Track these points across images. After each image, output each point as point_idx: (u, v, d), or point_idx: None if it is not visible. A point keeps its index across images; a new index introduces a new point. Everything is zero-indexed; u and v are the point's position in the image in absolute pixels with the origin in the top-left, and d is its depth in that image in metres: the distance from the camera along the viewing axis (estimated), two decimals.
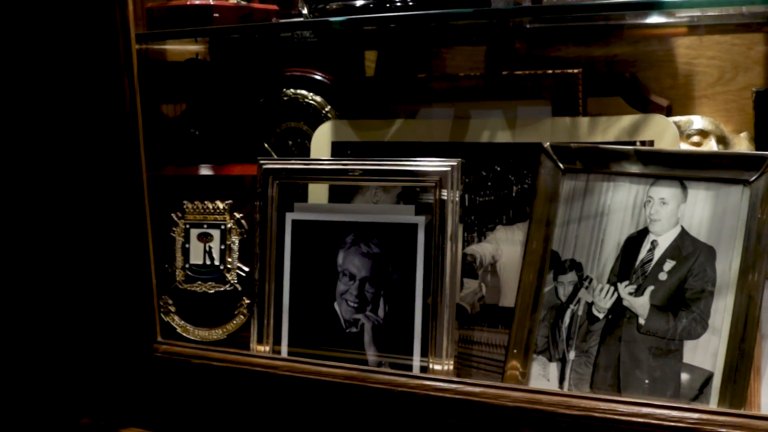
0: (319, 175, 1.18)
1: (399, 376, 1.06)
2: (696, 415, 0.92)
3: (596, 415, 0.96)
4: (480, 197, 1.22)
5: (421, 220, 1.12)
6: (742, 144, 1.13)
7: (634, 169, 1.10)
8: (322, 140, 1.30)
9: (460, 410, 1.02)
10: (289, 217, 1.19)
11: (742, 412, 0.93)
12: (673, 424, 0.93)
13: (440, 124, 1.25)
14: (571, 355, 1.10)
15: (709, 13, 1.17)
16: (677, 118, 1.14)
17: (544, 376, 1.11)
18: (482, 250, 1.22)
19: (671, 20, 1.18)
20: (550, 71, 1.18)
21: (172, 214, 1.29)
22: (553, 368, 1.11)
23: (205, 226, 1.28)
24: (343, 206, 1.23)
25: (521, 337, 1.13)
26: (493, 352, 1.20)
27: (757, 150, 1.15)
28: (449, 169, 1.10)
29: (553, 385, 1.10)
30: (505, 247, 1.21)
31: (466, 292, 1.22)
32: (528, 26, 1.20)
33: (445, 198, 1.10)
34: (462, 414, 1.02)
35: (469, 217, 1.22)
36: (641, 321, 1.06)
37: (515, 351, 1.13)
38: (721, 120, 1.18)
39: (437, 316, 1.10)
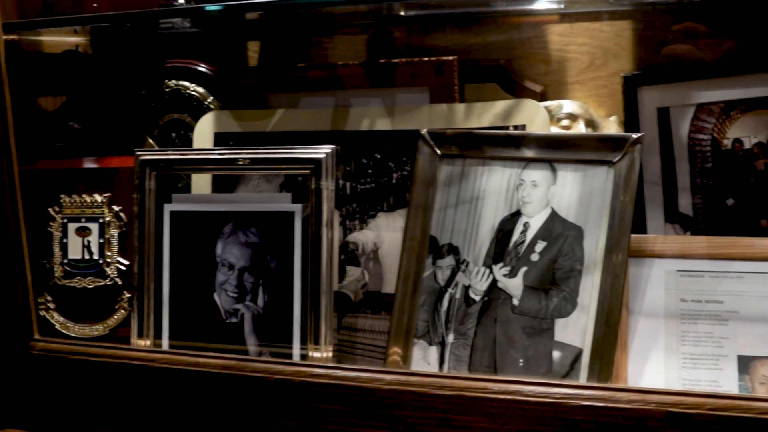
0: (194, 165, 1.17)
1: (275, 364, 1.06)
2: (560, 390, 0.95)
3: (467, 394, 0.98)
4: (361, 185, 1.23)
5: (297, 208, 1.12)
6: (611, 127, 1.16)
7: (507, 153, 1.12)
8: (204, 131, 1.28)
9: (337, 395, 1.02)
10: (168, 208, 1.17)
11: (601, 385, 0.96)
12: (539, 399, 0.95)
13: (321, 113, 1.25)
14: (450, 338, 1.11)
15: (579, 1, 1.20)
16: (548, 103, 1.16)
17: (424, 359, 1.12)
18: (364, 237, 1.23)
19: (543, 8, 1.21)
20: (426, 59, 1.19)
21: (49, 209, 1.25)
22: (433, 351, 1.12)
23: (83, 219, 1.25)
24: (221, 196, 1.22)
25: (402, 323, 1.13)
26: (377, 338, 1.21)
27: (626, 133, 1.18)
28: (324, 156, 1.10)
29: (433, 368, 1.11)
30: (387, 233, 1.21)
31: (350, 280, 1.23)
32: (403, 14, 1.21)
33: (321, 185, 1.10)
34: (338, 399, 1.02)
35: (351, 205, 1.23)
36: (515, 302, 1.08)
37: (396, 336, 1.13)
38: (593, 104, 1.21)
39: (315, 303, 1.10)
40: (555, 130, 1.14)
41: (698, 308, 1.05)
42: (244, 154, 1.13)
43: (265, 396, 1.06)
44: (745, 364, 1.01)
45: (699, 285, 1.06)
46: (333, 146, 1.11)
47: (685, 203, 1.19)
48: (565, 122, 1.14)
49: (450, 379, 0.99)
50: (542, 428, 0.95)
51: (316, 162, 1.10)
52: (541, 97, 1.21)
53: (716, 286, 1.05)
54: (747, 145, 1.16)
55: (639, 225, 1.20)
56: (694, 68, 1.16)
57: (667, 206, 1.20)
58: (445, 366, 1.11)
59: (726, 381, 1.01)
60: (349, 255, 1.23)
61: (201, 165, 1.16)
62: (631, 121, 1.18)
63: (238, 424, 1.07)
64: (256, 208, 1.14)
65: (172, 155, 1.17)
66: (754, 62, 1.14)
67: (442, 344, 1.11)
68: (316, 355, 1.10)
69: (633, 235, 1.12)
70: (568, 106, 1.15)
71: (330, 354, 1.10)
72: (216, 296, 1.16)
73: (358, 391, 1.02)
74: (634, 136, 1.04)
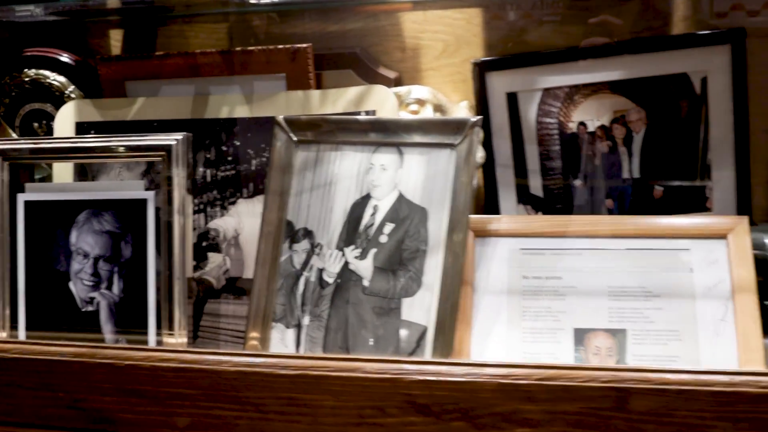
0: (46, 155, 1.16)
1: (126, 350, 1.06)
2: (397, 366, 0.97)
3: (310, 373, 0.99)
4: (221, 172, 1.24)
5: (150, 195, 1.12)
6: (460, 112, 1.19)
7: (357, 137, 1.14)
8: (65, 121, 1.28)
9: (186, 378, 1.03)
10: (21, 198, 1.17)
11: (434, 360, 0.99)
12: (378, 375, 0.97)
13: (181, 101, 1.25)
14: (306, 320, 1.13)
15: None
16: (398, 89, 1.19)
17: (282, 342, 1.14)
18: (225, 224, 1.24)
19: None
20: (281, 46, 1.20)
21: None
22: (290, 334, 1.14)
23: None
24: (75, 185, 1.22)
25: (260, 307, 1.15)
26: (240, 323, 1.22)
27: None
28: (175, 143, 1.11)
29: (290, 351, 1.13)
30: (247, 219, 1.23)
31: (212, 267, 1.24)
32: (254, 2, 1.22)
33: (172, 172, 1.11)
34: (188, 382, 1.03)
35: (212, 192, 1.24)
36: (366, 283, 1.10)
37: (254, 320, 1.15)
38: (447, 90, 1.24)
39: (169, 290, 1.11)
40: (403, 114, 1.17)
41: (539, 284, 1.09)
42: (95, 143, 1.13)
43: (118, 382, 1.06)
44: (581, 336, 1.06)
45: (540, 262, 1.10)
46: (184, 133, 1.12)
47: (536, 185, 1.23)
48: (414, 107, 1.16)
49: (293, 359, 1.00)
50: (383, 403, 0.97)
51: (167, 149, 1.11)
52: (396, 83, 1.24)
53: (556, 262, 1.09)
54: (591, 128, 1.21)
55: (492, 206, 1.24)
56: (539, 54, 1.20)
57: (518, 188, 1.24)
58: (302, 348, 1.13)
59: (563, 353, 1.05)
60: (211, 242, 1.24)
61: (52, 154, 1.16)
62: (481, 105, 1.21)
63: (93, 410, 1.08)
64: (109, 196, 1.14)
65: (23, 144, 1.16)
66: (597, 48, 1.20)
67: (299, 327, 1.13)
68: (171, 340, 1.11)
69: (479, 216, 1.17)
70: (416, 91, 1.18)
71: (184, 339, 1.11)
72: (72, 285, 1.15)
73: (207, 374, 1.02)
74: (473, 119, 1.07)
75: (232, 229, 1.24)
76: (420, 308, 1.08)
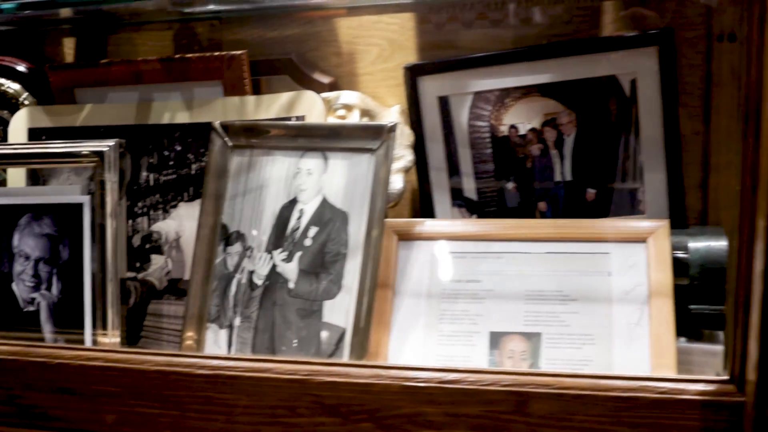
0: None
1: (57, 349, 1.10)
2: (306, 367, 0.99)
3: (225, 373, 1.02)
4: (163, 176, 1.27)
5: (86, 200, 1.17)
6: (392, 116, 1.20)
7: (286, 142, 1.17)
8: (18, 127, 1.33)
9: (113, 377, 1.07)
10: None
11: (341, 362, 1.01)
12: (288, 376, 1.00)
13: (127, 107, 1.29)
14: (237, 321, 1.16)
15: None
16: (327, 94, 1.21)
17: (216, 343, 1.17)
18: (167, 227, 1.27)
19: (332, 1, 1.26)
20: (217, 54, 1.23)
21: None
22: (223, 335, 1.17)
23: None
24: (18, 189, 1.27)
25: (195, 308, 1.18)
26: (181, 324, 1.25)
27: (408, 121, 1.23)
28: (107, 149, 1.15)
29: (222, 351, 1.16)
30: (188, 222, 1.26)
31: (154, 268, 1.27)
32: (188, 10, 1.25)
33: (104, 177, 1.15)
34: (114, 380, 1.07)
35: (155, 196, 1.27)
36: (291, 285, 1.13)
37: (190, 321, 1.18)
38: (383, 95, 1.26)
39: (102, 291, 1.15)
40: (331, 120, 1.19)
41: (458, 288, 1.10)
42: (34, 149, 1.18)
43: (51, 379, 1.10)
44: (496, 339, 1.06)
45: (461, 265, 1.11)
46: (116, 140, 1.16)
47: (469, 187, 1.24)
48: (341, 112, 1.18)
49: (209, 360, 1.03)
50: (293, 403, 1.00)
51: (100, 155, 1.15)
52: (331, 87, 1.25)
53: (476, 266, 1.10)
54: (522, 131, 1.21)
55: (427, 210, 1.26)
56: (469, 58, 1.21)
57: (452, 190, 1.25)
58: (233, 348, 1.16)
59: (477, 356, 1.06)
60: (154, 244, 1.28)
61: None
62: (414, 109, 1.22)
63: (29, 406, 1.12)
64: (49, 200, 1.18)
65: None
66: (526, 51, 1.20)
67: (231, 327, 1.16)
68: (105, 340, 1.15)
69: (403, 219, 1.19)
70: (345, 96, 1.19)
71: (117, 339, 1.15)
72: (14, 286, 1.20)
73: (131, 373, 1.06)
74: (389, 124, 1.09)
75: (173, 232, 1.27)
76: (340, 311, 1.10)
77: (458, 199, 1.24)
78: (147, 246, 1.27)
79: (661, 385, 0.91)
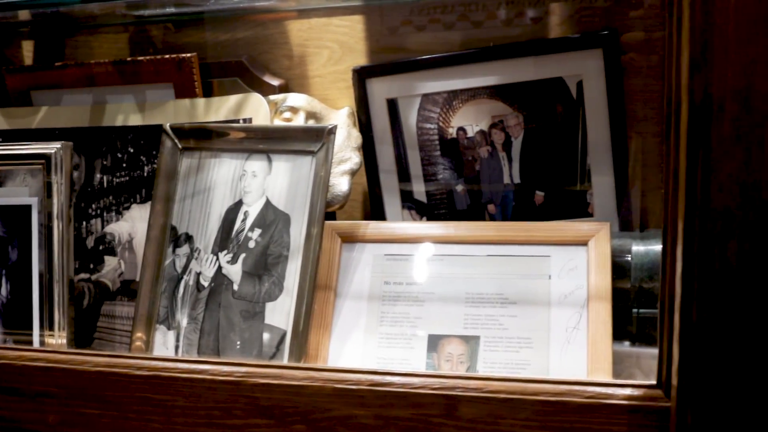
0: None
1: (1, 350, 1.12)
2: (240, 369, 0.99)
3: (162, 374, 1.03)
4: (117, 178, 1.28)
5: (34, 201, 1.17)
6: (340, 118, 1.20)
7: (232, 145, 1.17)
8: None
9: (54, 377, 1.07)
10: None
11: (274, 363, 1.01)
12: (224, 378, 1.00)
13: (81, 109, 1.30)
14: (184, 322, 1.16)
15: None
16: (274, 97, 1.21)
17: (164, 344, 1.17)
18: (120, 228, 1.28)
19: (282, 4, 1.26)
20: (167, 56, 1.24)
21: None
22: (171, 336, 1.17)
23: None
24: None
25: (145, 309, 1.19)
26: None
27: (357, 124, 1.23)
28: (54, 152, 1.16)
29: (170, 352, 1.17)
30: (140, 224, 1.26)
31: (107, 269, 1.28)
32: (143, 13, 1.26)
33: (51, 179, 1.16)
34: (55, 381, 1.07)
35: (108, 198, 1.28)
36: (235, 287, 1.13)
37: (140, 322, 1.19)
38: (333, 97, 1.26)
39: (49, 292, 1.16)
40: (277, 122, 1.19)
41: (399, 290, 1.10)
42: None
43: None
44: (434, 342, 1.06)
45: (402, 268, 1.11)
46: (63, 142, 1.16)
47: (419, 190, 1.24)
48: (287, 114, 1.18)
49: (147, 361, 1.04)
50: (228, 405, 1.00)
51: (47, 157, 1.16)
52: (282, 90, 1.26)
53: (418, 268, 1.10)
54: (470, 133, 1.21)
55: (378, 212, 1.26)
56: (417, 61, 1.21)
57: (402, 193, 1.25)
58: (180, 350, 1.16)
59: (416, 359, 1.06)
60: (107, 245, 1.28)
61: None
62: (363, 112, 1.22)
63: None
64: None
65: None
66: (473, 54, 1.19)
67: (178, 329, 1.17)
68: (52, 341, 1.16)
69: (346, 222, 1.19)
70: (291, 99, 1.19)
71: (64, 340, 1.16)
72: None
73: (72, 374, 1.07)
74: (329, 126, 1.09)
75: (126, 234, 1.28)
76: (281, 312, 1.10)
77: (408, 201, 1.24)
78: (100, 247, 1.28)
79: (589, 389, 0.91)
